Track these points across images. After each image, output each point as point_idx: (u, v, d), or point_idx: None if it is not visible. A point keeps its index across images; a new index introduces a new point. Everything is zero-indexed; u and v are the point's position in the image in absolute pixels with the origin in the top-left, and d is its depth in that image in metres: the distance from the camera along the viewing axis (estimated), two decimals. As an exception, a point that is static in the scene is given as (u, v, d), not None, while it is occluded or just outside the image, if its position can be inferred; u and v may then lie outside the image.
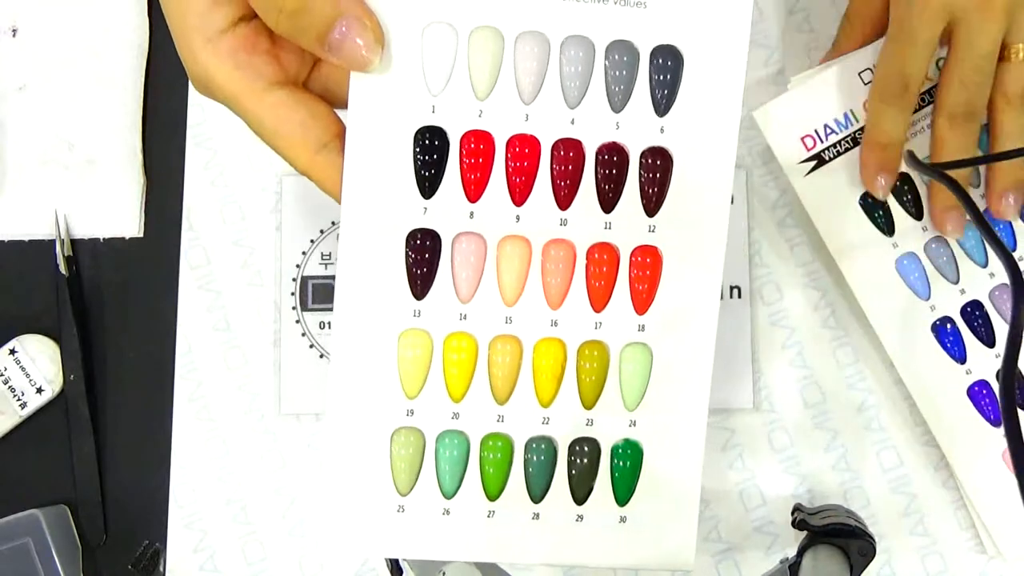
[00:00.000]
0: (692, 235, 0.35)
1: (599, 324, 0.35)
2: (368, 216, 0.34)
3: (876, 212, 0.49)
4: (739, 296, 0.52)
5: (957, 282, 0.49)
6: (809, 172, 0.49)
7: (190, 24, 0.33)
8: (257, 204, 0.53)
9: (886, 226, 0.49)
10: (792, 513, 0.48)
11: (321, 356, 0.52)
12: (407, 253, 0.35)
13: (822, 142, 0.49)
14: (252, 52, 0.33)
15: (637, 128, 0.34)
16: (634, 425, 0.36)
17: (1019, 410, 0.46)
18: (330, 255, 0.53)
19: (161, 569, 0.52)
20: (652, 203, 0.35)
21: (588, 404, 0.36)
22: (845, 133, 0.48)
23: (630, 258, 0.35)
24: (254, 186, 0.53)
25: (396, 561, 0.43)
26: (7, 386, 0.52)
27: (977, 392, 0.48)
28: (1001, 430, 0.48)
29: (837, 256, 0.49)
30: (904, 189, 0.49)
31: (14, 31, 0.55)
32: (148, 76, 0.54)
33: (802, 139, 0.49)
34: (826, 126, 0.49)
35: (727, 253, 0.52)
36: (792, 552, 0.45)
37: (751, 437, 0.51)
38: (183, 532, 0.52)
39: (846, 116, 0.48)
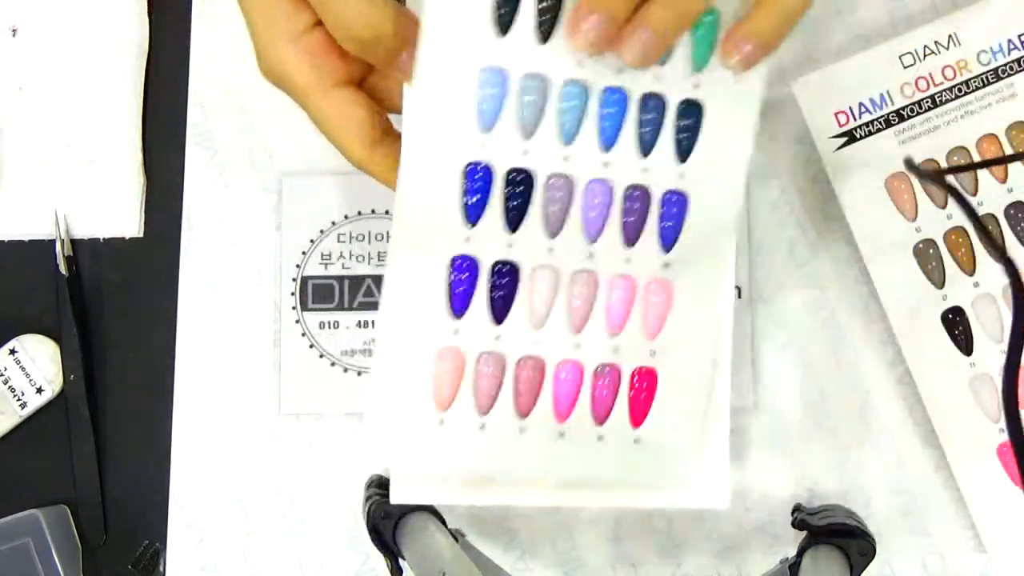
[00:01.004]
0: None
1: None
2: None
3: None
4: (739, 296, 0.52)
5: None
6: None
7: (277, 24, 0.37)
8: (257, 204, 0.53)
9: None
10: (792, 513, 0.48)
11: (321, 356, 0.52)
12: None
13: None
14: (327, 54, 0.37)
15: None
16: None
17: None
18: (330, 255, 0.53)
19: (161, 569, 0.52)
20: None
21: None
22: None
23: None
24: (254, 186, 0.53)
25: (396, 561, 0.44)
26: (7, 386, 0.52)
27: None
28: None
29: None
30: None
31: (14, 31, 0.55)
32: (148, 76, 0.54)
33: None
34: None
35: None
36: (792, 552, 0.45)
37: (751, 437, 0.51)
38: (183, 532, 0.52)
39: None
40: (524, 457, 0.39)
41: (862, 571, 0.43)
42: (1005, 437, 0.48)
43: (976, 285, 0.49)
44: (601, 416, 0.40)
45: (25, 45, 0.54)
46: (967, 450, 0.49)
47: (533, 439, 0.39)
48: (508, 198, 0.37)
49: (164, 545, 0.52)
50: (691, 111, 0.38)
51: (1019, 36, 0.49)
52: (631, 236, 0.39)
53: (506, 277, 0.38)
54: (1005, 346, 0.48)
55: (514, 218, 0.38)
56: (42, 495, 0.52)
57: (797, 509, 0.48)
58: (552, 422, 0.39)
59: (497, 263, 0.38)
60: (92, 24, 0.54)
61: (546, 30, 0.36)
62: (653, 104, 0.37)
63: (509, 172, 0.37)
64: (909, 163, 0.46)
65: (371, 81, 0.40)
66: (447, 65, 0.36)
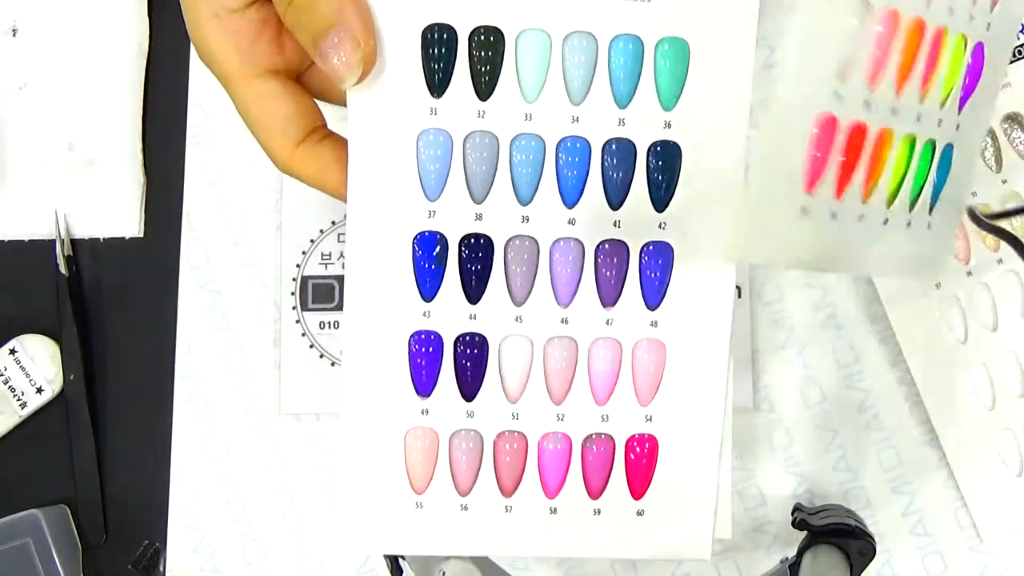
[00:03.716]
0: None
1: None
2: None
3: None
4: (739, 296, 0.52)
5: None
6: None
7: None
8: (257, 204, 0.53)
9: None
10: (792, 513, 0.48)
11: (321, 356, 0.52)
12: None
13: None
14: (256, 37, 0.34)
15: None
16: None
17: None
18: (330, 255, 0.53)
19: (161, 569, 0.52)
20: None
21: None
22: None
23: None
24: (254, 186, 0.53)
25: (396, 560, 0.44)
26: (7, 386, 0.52)
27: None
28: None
29: None
30: None
31: (14, 31, 0.55)
32: (148, 76, 0.54)
33: None
34: None
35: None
36: (792, 552, 0.45)
37: (751, 437, 0.51)
38: (183, 532, 0.52)
39: None
40: (513, 535, 0.37)
41: (862, 571, 0.43)
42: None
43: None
44: (596, 490, 0.37)
45: (25, 45, 0.54)
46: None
47: (521, 517, 0.37)
48: (464, 268, 0.35)
49: (164, 545, 0.52)
50: (665, 154, 0.35)
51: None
52: (608, 296, 0.36)
53: (472, 351, 0.36)
54: (999, 334, 0.49)
55: (474, 288, 0.36)
56: (42, 495, 0.52)
57: (797, 509, 0.48)
58: (541, 498, 0.37)
59: (460, 337, 0.36)
60: (92, 24, 0.54)
61: (485, 84, 0.34)
62: (620, 151, 0.35)
63: (463, 240, 0.35)
64: (972, 213, 0.43)
65: (312, 73, 0.36)
66: (383, 133, 0.34)
